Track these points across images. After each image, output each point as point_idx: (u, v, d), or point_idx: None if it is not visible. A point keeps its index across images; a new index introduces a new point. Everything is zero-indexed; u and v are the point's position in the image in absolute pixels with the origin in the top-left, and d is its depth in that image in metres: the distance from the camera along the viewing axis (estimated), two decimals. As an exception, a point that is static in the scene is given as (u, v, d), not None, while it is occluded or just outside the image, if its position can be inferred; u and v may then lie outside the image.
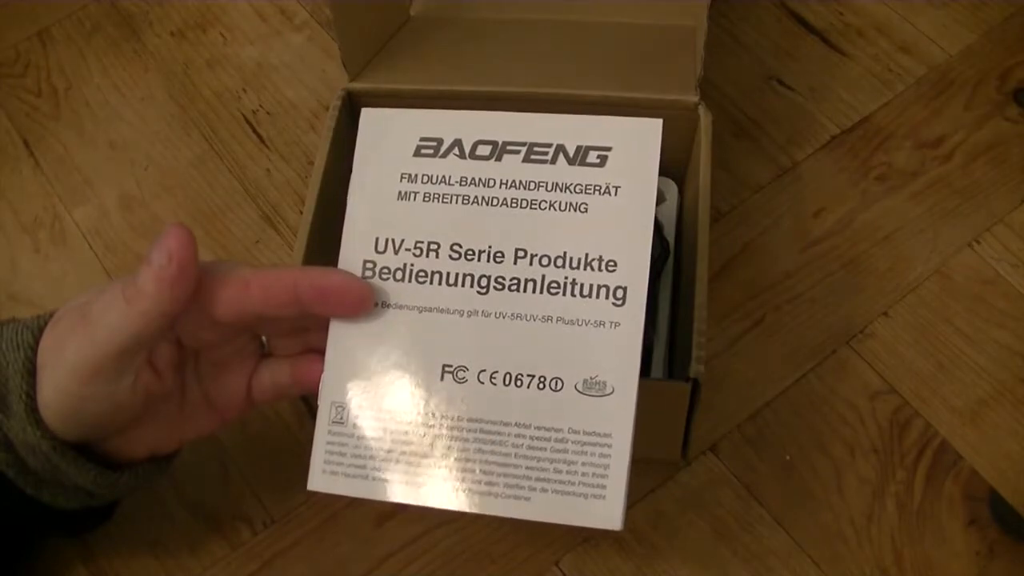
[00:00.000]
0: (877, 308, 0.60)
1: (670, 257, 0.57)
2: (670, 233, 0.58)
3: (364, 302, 0.40)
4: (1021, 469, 0.54)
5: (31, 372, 0.41)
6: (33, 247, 0.66)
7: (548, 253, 0.41)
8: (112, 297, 0.39)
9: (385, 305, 0.41)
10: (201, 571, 0.54)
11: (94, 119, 0.71)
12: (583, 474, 0.39)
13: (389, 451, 0.41)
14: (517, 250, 0.41)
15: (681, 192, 0.60)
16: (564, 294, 0.40)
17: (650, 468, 0.56)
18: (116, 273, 0.65)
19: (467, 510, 0.39)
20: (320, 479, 0.42)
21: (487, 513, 0.39)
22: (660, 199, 0.60)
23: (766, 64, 0.70)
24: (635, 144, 0.42)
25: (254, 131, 0.70)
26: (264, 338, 0.44)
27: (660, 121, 0.42)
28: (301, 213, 0.54)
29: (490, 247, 0.41)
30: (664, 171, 0.60)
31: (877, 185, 0.64)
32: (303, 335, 0.43)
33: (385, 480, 0.41)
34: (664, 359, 0.54)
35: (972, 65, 0.68)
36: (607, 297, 0.40)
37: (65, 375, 0.40)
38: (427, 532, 0.54)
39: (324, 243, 0.56)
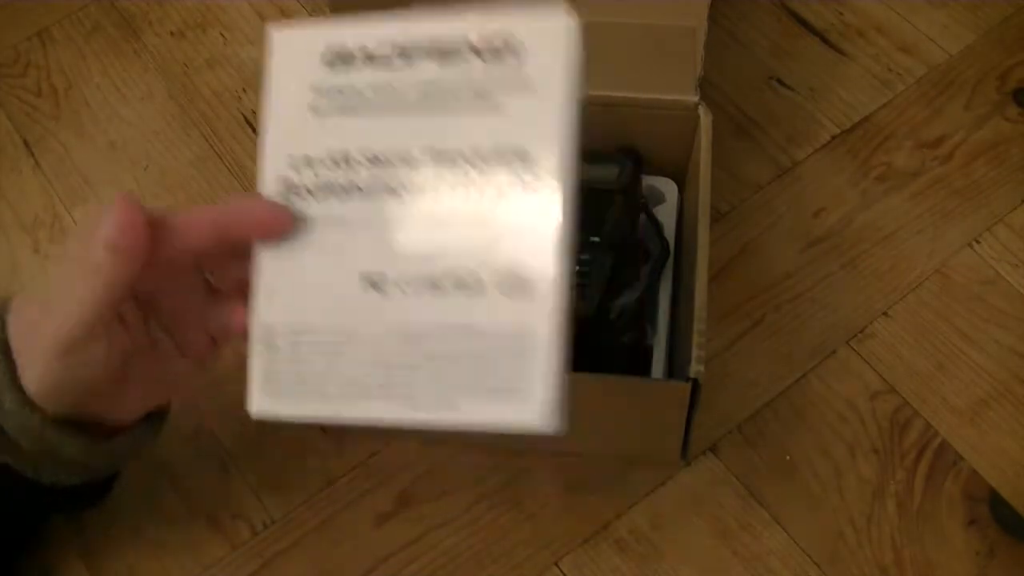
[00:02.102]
0: (877, 308, 0.60)
1: (670, 257, 0.57)
2: (670, 233, 0.58)
3: (280, 225, 0.40)
4: (1021, 469, 0.54)
5: (6, 352, 0.42)
6: (33, 247, 0.66)
7: (463, 154, 0.39)
8: (69, 273, 0.40)
9: (306, 222, 0.40)
10: (201, 571, 0.54)
11: (94, 119, 0.71)
12: (510, 377, 0.37)
13: (323, 368, 0.40)
14: (432, 154, 0.39)
15: (681, 192, 0.60)
16: (481, 195, 0.39)
17: (650, 468, 0.56)
18: (116, 273, 0.65)
19: (399, 419, 0.39)
20: (260, 403, 0.41)
21: (418, 421, 0.38)
22: (660, 199, 0.60)
23: (766, 64, 0.70)
24: (547, 39, 0.40)
25: (254, 131, 0.70)
26: (209, 275, 0.45)
27: (571, 17, 0.40)
28: (301, 213, 0.54)
29: (405, 153, 0.39)
30: (664, 171, 0.60)
31: (877, 185, 0.64)
32: (243, 264, 0.43)
33: (321, 398, 0.40)
34: (664, 359, 0.54)
35: (972, 65, 0.68)
36: (524, 195, 0.38)
37: (43, 354, 0.41)
38: (427, 532, 0.55)
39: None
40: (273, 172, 0.41)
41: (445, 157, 0.39)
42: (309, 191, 0.40)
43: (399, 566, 0.54)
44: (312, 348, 0.40)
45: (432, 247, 0.39)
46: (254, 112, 0.70)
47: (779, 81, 0.69)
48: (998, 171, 0.64)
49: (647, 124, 0.58)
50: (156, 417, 0.47)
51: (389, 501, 0.56)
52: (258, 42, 0.74)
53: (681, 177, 0.60)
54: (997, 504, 0.53)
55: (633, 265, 0.56)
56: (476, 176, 0.39)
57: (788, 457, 0.56)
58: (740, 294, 0.61)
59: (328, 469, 0.57)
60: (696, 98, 0.55)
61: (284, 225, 0.40)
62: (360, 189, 0.40)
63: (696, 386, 0.47)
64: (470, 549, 0.54)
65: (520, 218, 0.38)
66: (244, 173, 0.68)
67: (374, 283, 0.39)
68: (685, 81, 0.56)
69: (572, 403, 0.53)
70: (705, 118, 0.55)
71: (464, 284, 0.38)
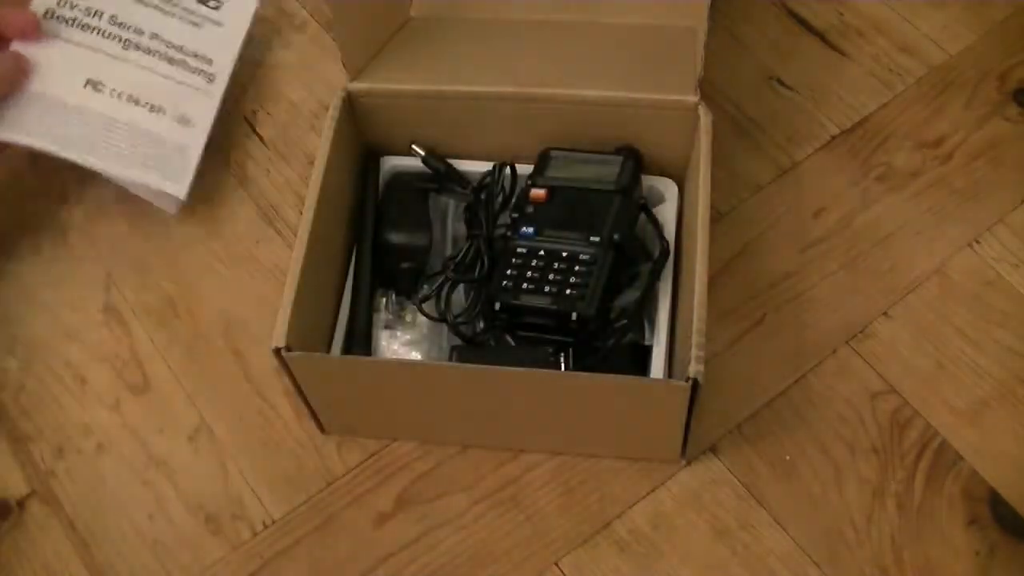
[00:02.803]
0: (877, 308, 0.60)
1: (670, 257, 0.57)
2: (670, 233, 0.58)
3: (33, 33, 0.62)
4: (1021, 469, 0.54)
5: None
6: (34, 249, 0.66)
7: (172, 44, 0.65)
8: None
9: (58, 38, 0.62)
10: (201, 571, 0.54)
11: (94, 119, 0.71)
12: (169, 165, 0.63)
13: (44, 127, 0.61)
14: (149, 35, 0.65)
15: (681, 192, 0.60)
16: (179, 70, 0.65)
17: (650, 468, 0.56)
18: (117, 273, 0.65)
19: (88, 163, 0.62)
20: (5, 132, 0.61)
21: (100, 169, 0.62)
22: (660, 199, 0.60)
23: (766, 64, 0.70)
24: None
25: (254, 131, 0.70)
26: None
27: None
28: (301, 213, 0.54)
29: (136, 26, 0.65)
30: (664, 171, 0.60)
31: (877, 185, 0.64)
32: None
33: (52, 140, 0.61)
34: (664, 359, 0.54)
35: (972, 65, 0.68)
36: (203, 78, 0.65)
37: None
38: (427, 532, 0.55)
39: (324, 243, 0.56)
40: (43, 1, 0.63)
41: (156, 46, 0.65)
42: (64, 20, 0.63)
43: (399, 566, 0.54)
44: (37, 107, 0.61)
45: (141, 81, 0.64)
46: (254, 112, 0.70)
47: (779, 81, 0.69)
48: (998, 171, 0.64)
49: (647, 124, 0.58)
50: None
51: (389, 501, 0.56)
52: (257, 42, 0.74)
53: (681, 177, 0.60)
54: (997, 504, 0.53)
55: (633, 265, 0.56)
56: (176, 56, 0.65)
57: (788, 457, 0.56)
58: (740, 294, 0.61)
59: (328, 469, 0.57)
60: (696, 98, 0.55)
61: (36, 34, 0.62)
62: (100, 31, 0.64)
63: (696, 386, 0.47)
64: (470, 549, 0.54)
65: (196, 86, 0.65)
66: (244, 173, 0.68)
67: (94, 85, 0.63)
68: (685, 81, 0.56)
69: (573, 402, 0.53)
70: (705, 118, 0.55)
71: (154, 108, 0.64)
